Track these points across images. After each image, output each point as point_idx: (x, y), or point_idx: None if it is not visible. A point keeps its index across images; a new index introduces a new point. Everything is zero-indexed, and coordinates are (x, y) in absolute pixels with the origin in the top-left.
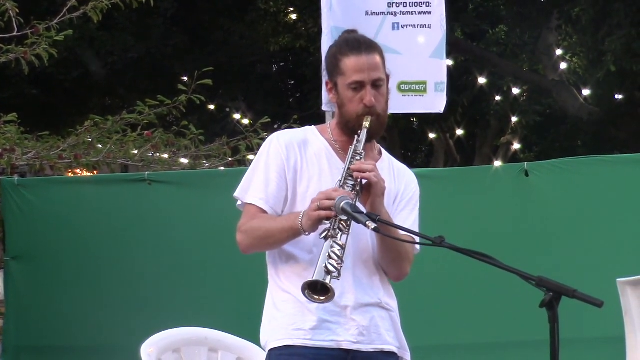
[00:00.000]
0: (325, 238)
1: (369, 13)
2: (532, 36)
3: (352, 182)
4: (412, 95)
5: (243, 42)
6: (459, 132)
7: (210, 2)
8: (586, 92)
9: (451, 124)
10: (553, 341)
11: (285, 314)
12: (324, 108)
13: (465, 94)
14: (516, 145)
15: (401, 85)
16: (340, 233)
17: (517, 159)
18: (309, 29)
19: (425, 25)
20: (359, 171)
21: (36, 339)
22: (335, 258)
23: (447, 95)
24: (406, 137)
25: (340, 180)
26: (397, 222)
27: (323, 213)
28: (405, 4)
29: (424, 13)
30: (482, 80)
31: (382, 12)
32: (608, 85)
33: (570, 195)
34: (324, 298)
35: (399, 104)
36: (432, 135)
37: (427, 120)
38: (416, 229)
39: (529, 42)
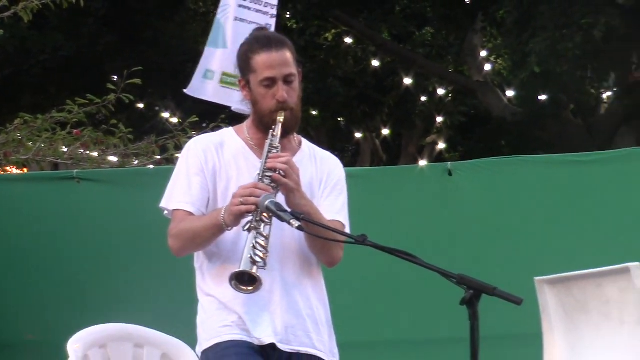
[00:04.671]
0: (249, 230)
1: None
2: (458, 38)
3: (271, 175)
4: (230, 88)
5: (173, 41)
6: (385, 131)
7: (141, 2)
8: (510, 93)
9: (377, 123)
10: (473, 338)
11: (211, 315)
12: (233, 108)
13: (392, 95)
14: (441, 145)
15: (223, 77)
16: (263, 224)
17: (443, 158)
18: None
19: (259, 23)
20: (273, 168)
21: None
22: (260, 248)
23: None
24: (333, 137)
25: (259, 175)
26: (323, 209)
27: (244, 207)
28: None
29: (264, 13)
30: (408, 81)
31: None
32: (532, 86)
33: (492, 194)
34: (251, 288)
35: (217, 94)
36: (358, 135)
37: (354, 120)
38: (345, 213)
39: (455, 43)
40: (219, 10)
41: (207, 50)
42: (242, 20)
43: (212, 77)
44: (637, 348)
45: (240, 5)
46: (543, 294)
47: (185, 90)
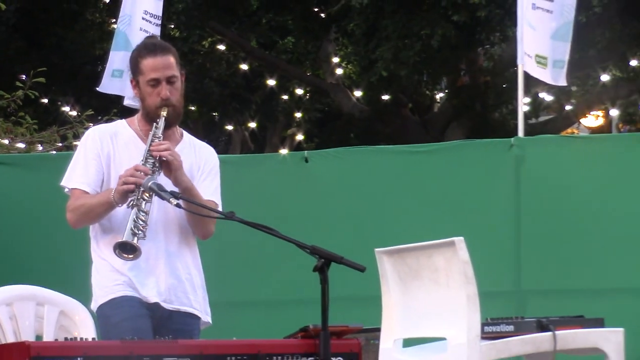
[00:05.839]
0: (132, 207)
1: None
2: (315, 46)
3: (153, 161)
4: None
5: (73, 47)
6: (253, 125)
7: (46, 12)
8: (358, 93)
9: (246, 118)
10: (323, 299)
11: (105, 276)
12: (125, 103)
13: (258, 93)
14: (300, 137)
15: (114, 72)
16: (144, 202)
17: (301, 147)
18: None
19: (147, 31)
20: (157, 151)
21: None
22: (140, 222)
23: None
24: (209, 129)
25: (143, 160)
26: (201, 191)
27: (125, 187)
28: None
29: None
30: (272, 82)
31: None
32: (377, 88)
33: (342, 179)
34: (132, 256)
35: (110, 85)
36: (230, 128)
37: (226, 114)
38: (218, 194)
39: (312, 51)
40: (119, 20)
41: (112, 54)
42: (146, 31)
43: (121, 75)
44: (460, 307)
45: (143, 18)
46: (382, 263)
47: (97, 88)
